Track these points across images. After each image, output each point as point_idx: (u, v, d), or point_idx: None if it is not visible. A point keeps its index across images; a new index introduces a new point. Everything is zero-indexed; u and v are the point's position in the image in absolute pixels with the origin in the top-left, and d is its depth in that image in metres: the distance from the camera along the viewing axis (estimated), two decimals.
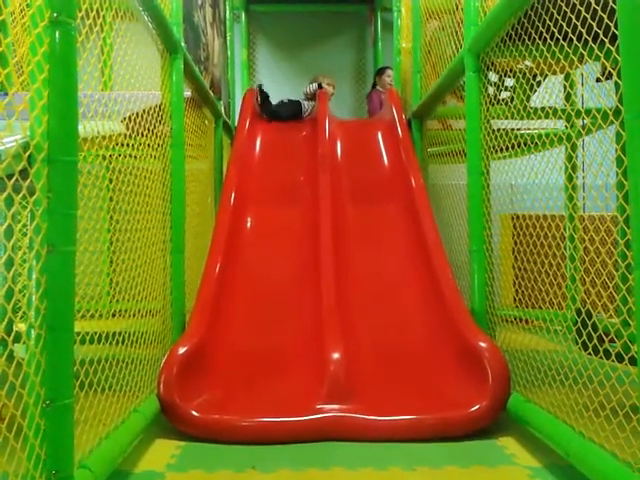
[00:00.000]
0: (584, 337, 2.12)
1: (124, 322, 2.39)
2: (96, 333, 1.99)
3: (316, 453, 2.16)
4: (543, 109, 2.96)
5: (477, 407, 2.33)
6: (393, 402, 2.48)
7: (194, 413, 2.31)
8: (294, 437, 2.28)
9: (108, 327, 2.15)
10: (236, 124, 4.69)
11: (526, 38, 2.51)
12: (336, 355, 2.53)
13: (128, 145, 2.52)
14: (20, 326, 1.46)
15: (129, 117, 2.39)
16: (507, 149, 3.81)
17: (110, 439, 1.82)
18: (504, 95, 3.40)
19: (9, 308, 1.40)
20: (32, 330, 1.40)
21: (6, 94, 2.61)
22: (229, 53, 5.44)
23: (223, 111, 4.68)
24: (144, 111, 2.54)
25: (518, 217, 2.99)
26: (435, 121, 4.20)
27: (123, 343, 2.18)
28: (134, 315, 2.41)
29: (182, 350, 2.49)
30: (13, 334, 1.49)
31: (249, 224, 3.71)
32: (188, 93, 3.42)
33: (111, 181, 2.56)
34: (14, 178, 1.34)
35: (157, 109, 2.74)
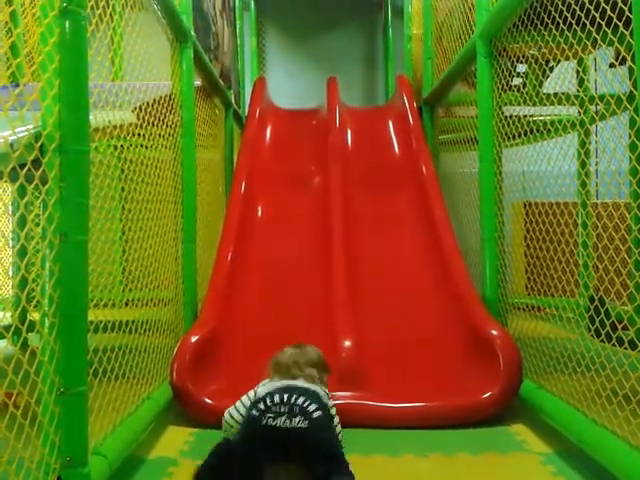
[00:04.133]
0: (597, 324, 2.11)
1: (137, 311, 2.40)
2: (109, 322, 2.00)
3: None
4: (556, 95, 2.93)
5: (489, 394, 2.33)
6: (405, 389, 2.48)
7: (207, 400, 2.33)
8: None
9: (121, 316, 2.16)
10: (246, 113, 4.68)
11: (538, 23, 2.48)
12: (347, 343, 2.54)
13: (139, 135, 2.53)
14: (34, 315, 1.47)
15: (140, 107, 2.39)
16: (519, 136, 3.77)
17: (124, 426, 1.84)
18: (516, 81, 3.37)
19: (23, 297, 1.42)
20: (46, 318, 1.42)
21: (17, 85, 2.62)
22: (238, 41, 5.42)
23: (233, 100, 4.67)
24: (155, 101, 2.54)
25: (530, 204, 2.96)
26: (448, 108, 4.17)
27: (136, 332, 2.20)
28: (147, 304, 2.43)
29: (194, 338, 2.50)
30: (27, 323, 1.51)
31: (260, 213, 3.72)
32: (198, 82, 3.41)
33: (123, 171, 2.56)
34: (26, 168, 1.35)
35: (168, 99, 2.74)
